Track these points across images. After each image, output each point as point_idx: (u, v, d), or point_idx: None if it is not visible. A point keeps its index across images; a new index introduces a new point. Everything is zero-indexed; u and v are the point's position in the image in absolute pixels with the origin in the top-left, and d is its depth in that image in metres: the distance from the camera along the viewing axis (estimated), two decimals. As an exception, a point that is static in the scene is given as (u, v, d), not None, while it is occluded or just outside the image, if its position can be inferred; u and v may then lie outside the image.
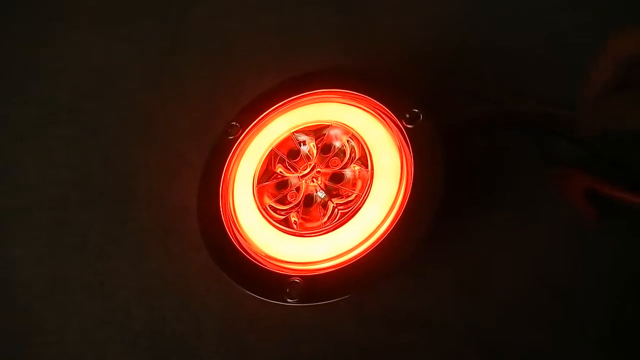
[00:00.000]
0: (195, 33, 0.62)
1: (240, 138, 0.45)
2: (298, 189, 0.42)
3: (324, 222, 0.40)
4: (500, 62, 0.48)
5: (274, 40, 0.58)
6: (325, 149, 0.43)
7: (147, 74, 0.61)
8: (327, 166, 0.42)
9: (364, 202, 0.38)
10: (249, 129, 0.45)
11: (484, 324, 0.38)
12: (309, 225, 0.41)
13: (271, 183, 0.43)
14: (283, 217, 0.41)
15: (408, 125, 0.39)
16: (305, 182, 0.42)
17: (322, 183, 0.42)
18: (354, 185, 0.41)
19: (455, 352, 0.38)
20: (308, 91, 0.44)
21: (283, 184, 0.44)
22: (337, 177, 0.42)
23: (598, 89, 0.33)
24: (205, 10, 0.63)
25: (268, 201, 0.43)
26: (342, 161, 0.42)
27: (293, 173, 0.43)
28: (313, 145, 0.43)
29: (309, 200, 0.42)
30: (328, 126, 0.43)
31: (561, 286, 0.38)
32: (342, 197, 0.41)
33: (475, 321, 0.38)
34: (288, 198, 0.43)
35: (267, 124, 0.45)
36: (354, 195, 0.40)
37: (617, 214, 0.37)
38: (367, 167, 0.40)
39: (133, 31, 0.65)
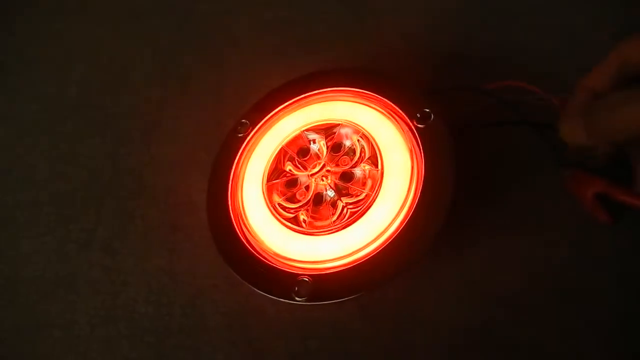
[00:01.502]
0: (201, 29, 0.62)
1: (250, 136, 0.45)
2: (307, 188, 0.42)
3: (334, 221, 0.40)
4: (505, 60, 0.48)
5: (280, 36, 0.58)
6: (336, 147, 0.43)
7: (154, 71, 0.61)
8: (337, 165, 0.42)
9: (374, 201, 0.38)
10: (259, 127, 0.45)
11: (490, 324, 0.38)
12: (318, 224, 0.40)
13: (281, 181, 0.43)
14: (292, 215, 0.41)
15: (419, 125, 0.39)
16: (315, 181, 0.42)
17: (331, 182, 0.42)
18: (364, 184, 0.41)
19: (460, 351, 0.38)
20: (318, 89, 0.44)
21: (292, 182, 0.44)
22: (347, 176, 0.42)
23: (588, 96, 0.32)
24: (211, 6, 0.63)
25: (277, 199, 0.42)
26: (352, 160, 0.42)
27: (303, 171, 0.43)
28: (323, 144, 0.43)
29: (318, 198, 0.42)
30: (338, 125, 0.43)
31: (568, 287, 0.38)
32: (352, 196, 0.41)
33: (482, 320, 0.38)
34: (297, 196, 0.42)
35: (277, 122, 0.45)
36: (363, 195, 0.40)
37: (629, 214, 0.37)
38: (377, 167, 0.40)
39: (140, 27, 0.65)
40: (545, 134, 0.41)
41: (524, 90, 0.42)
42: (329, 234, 0.38)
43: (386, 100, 0.41)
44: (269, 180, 0.43)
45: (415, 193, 0.37)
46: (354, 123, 0.42)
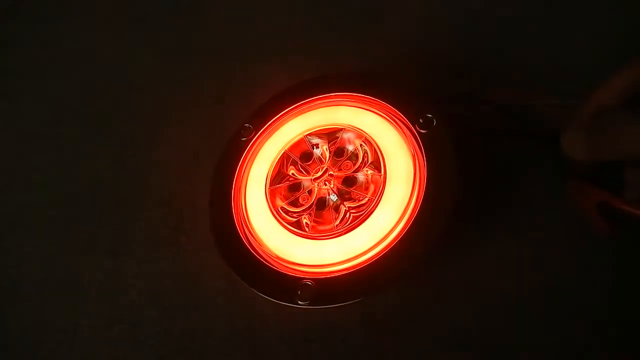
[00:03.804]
0: (206, 33, 0.63)
1: (253, 140, 0.45)
2: (310, 192, 0.42)
3: (336, 225, 0.40)
4: (505, 64, 0.48)
5: (284, 41, 0.58)
6: (338, 152, 0.43)
7: (159, 74, 0.61)
8: (340, 169, 0.42)
9: (377, 206, 0.38)
10: (262, 131, 0.45)
11: (492, 327, 0.38)
12: (321, 228, 0.41)
13: (284, 185, 0.43)
14: (295, 219, 0.41)
15: (421, 130, 0.39)
16: (318, 185, 0.42)
17: (334, 186, 0.42)
18: (367, 189, 0.41)
19: (462, 355, 0.38)
20: (322, 94, 0.44)
21: (295, 187, 0.44)
22: (349, 181, 0.42)
23: (595, 112, 0.32)
24: (215, 10, 0.64)
25: (280, 203, 0.43)
26: (354, 165, 0.42)
27: (305, 176, 0.43)
28: (326, 149, 0.44)
29: (321, 203, 0.42)
30: (341, 129, 0.43)
31: (569, 289, 0.38)
32: (355, 201, 0.41)
33: (483, 324, 0.38)
34: (300, 200, 0.43)
35: (280, 127, 0.45)
36: (366, 199, 0.40)
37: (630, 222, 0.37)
38: (379, 171, 0.40)
39: (145, 31, 0.66)
40: (549, 145, 0.41)
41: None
42: (331, 238, 0.38)
43: (389, 105, 0.41)
44: (272, 184, 0.43)
45: (417, 198, 0.37)
46: (356, 128, 0.42)
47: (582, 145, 0.32)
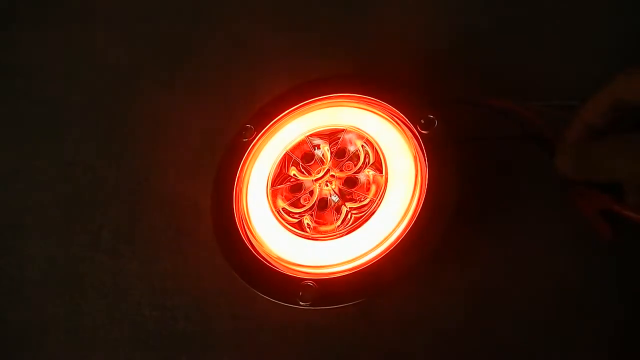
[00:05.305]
0: (208, 33, 0.62)
1: (255, 140, 0.45)
2: (312, 193, 0.43)
3: (338, 226, 0.40)
4: (505, 66, 0.48)
5: (285, 42, 0.58)
6: (340, 153, 0.43)
7: (161, 74, 0.61)
8: (341, 170, 0.42)
9: (378, 207, 0.38)
10: (264, 132, 0.45)
11: (492, 327, 0.38)
12: (323, 229, 0.41)
13: (285, 186, 0.44)
14: (297, 220, 0.42)
15: (423, 131, 0.39)
16: (319, 186, 0.42)
17: (336, 187, 0.42)
18: (368, 189, 0.41)
19: (463, 354, 0.38)
20: (323, 95, 0.44)
21: (297, 187, 0.44)
22: (351, 182, 0.42)
23: (582, 130, 0.33)
24: (218, 10, 0.64)
25: (282, 204, 0.43)
26: (356, 165, 0.42)
27: (307, 176, 0.43)
28: (327, 149, 0.44)
29: (322, 204, 0.42)
30: (342, 130, 0.43)
31: (568, 292, 0.38)
32: (356, 202, 0.41)
33: (483, 326, 0.39)
34: (302, 201, 0.43)
35: (282, 127, 0.45)
36: (367, 200, 0.40)
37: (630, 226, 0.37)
38: (381, 172, 0.40)
39: (147, 31, 0.65)
40: (549, 149, 0.41)
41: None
42: (333, 239, 0.39)
43: (390, 106, 0.42)
44: (273, 185, 0.43)
45: (419, 199, 0.37)
46: (358, 128, 0.42)
47: (572, 167, 0.33)
